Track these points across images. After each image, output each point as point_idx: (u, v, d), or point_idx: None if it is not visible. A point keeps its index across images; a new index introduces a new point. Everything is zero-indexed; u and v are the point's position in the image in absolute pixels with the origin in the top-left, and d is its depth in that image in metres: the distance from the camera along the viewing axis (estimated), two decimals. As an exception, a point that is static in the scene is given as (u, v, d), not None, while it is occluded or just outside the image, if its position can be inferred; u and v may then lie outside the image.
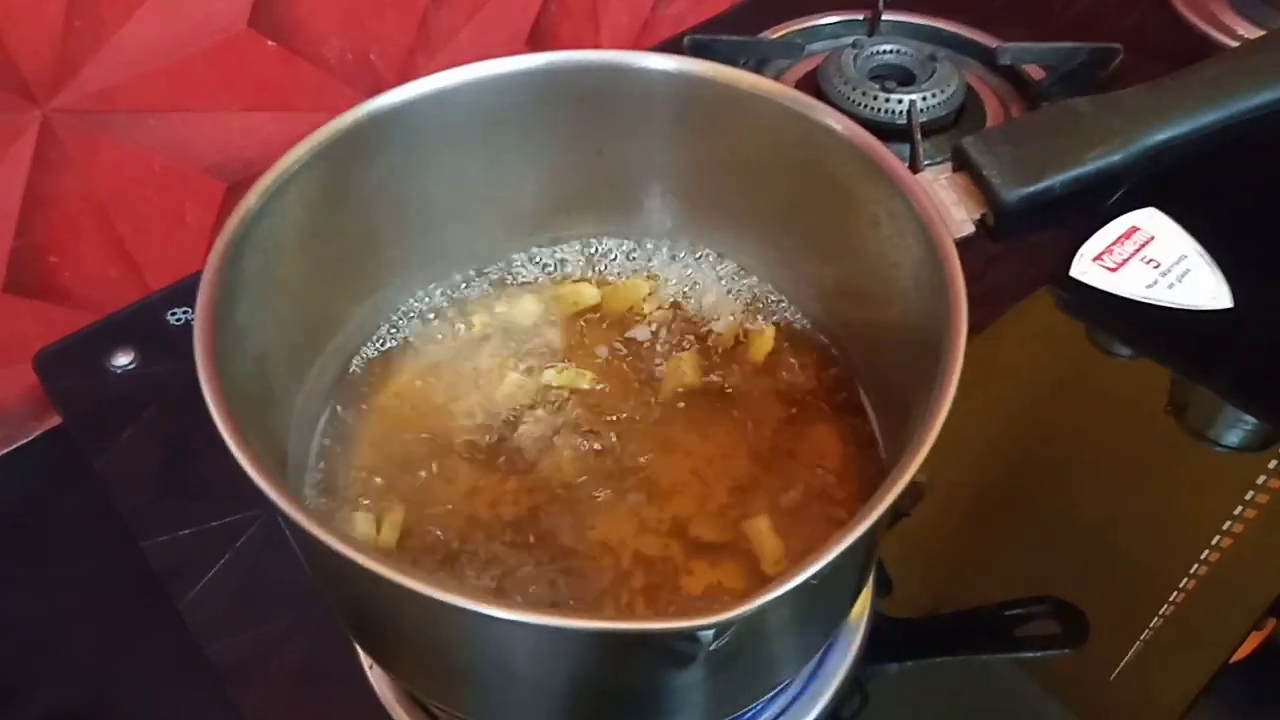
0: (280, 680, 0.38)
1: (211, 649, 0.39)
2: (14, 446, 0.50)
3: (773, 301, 0.40)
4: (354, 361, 0.38)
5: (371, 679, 0.38)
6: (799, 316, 0.39)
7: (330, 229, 0.34)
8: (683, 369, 0.38)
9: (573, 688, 0.28)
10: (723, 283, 0.40)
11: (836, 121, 0.33)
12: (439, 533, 0.33)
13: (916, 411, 0.27)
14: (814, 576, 0.23)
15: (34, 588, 0.44)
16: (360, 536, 0.33)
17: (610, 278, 0.41)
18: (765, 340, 0.38)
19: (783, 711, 0.37)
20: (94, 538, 0.45)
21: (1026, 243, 0.53)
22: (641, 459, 0.35)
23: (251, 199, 0.30)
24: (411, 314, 0.40)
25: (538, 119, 0.37)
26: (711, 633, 0.23)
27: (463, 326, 0.40)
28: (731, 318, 0.39)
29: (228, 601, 0.40)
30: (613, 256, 0.41)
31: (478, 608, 0.22)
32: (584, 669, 0.27)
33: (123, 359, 0.48)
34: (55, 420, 0.49)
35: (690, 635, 0.23)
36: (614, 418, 0.36)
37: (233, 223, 0.30)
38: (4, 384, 0.49)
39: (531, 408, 0.37)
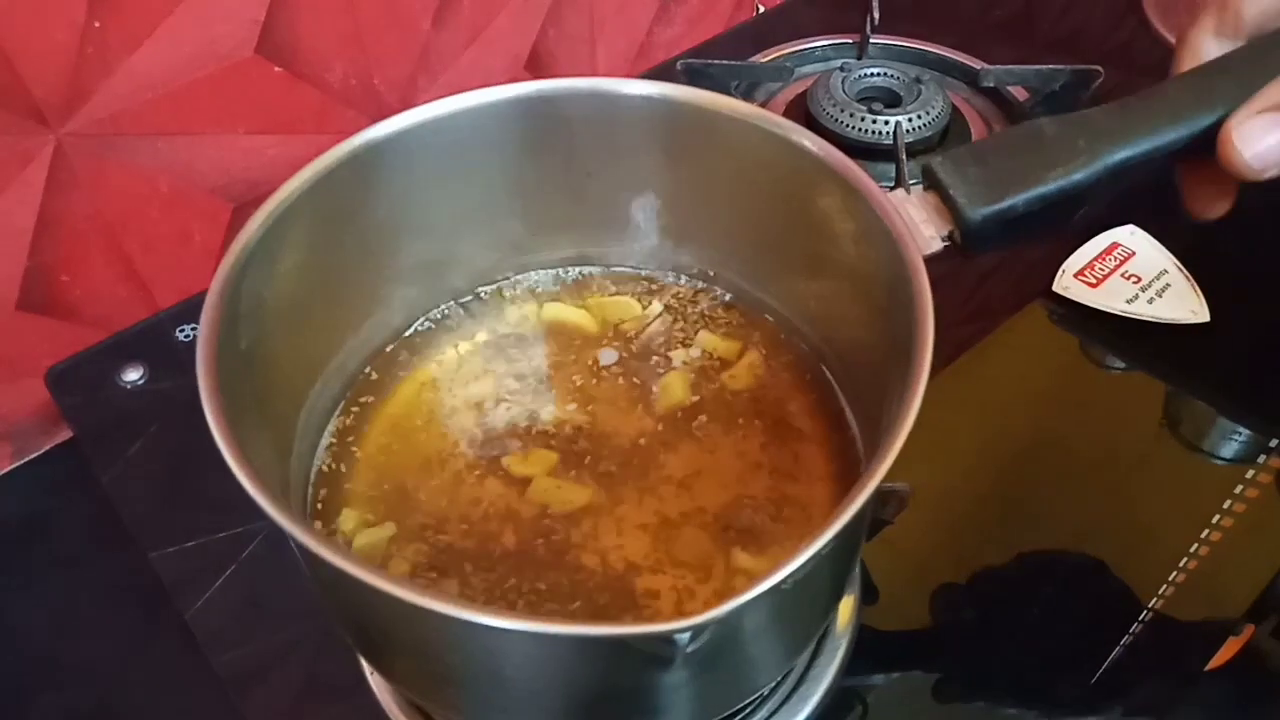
0: (285, 690, 0.39)
1: (217, 659, 0.40)
2: (25, 460, 0.51)
3: (759, 319, 0.41)
4: (354, 381, 0.39)
5: (374, 688, 0.39)
6: (785, 333, 0.40)
7: (330, 252, 0.35)
8: (673, 389, 0.38)
9: (557, 691, 0.29)
10: (709, 301, 0.41)
11: (811, 142, 0.34)
12: (433, 549, 0.34)
13: (886, 422, 0.28)
14: (785, 580, 0.23)
15: (43, 597, 0.44)
16: (357, 550, 0.34)
17: (600, 298, 0.42)
18: (752, 358, 0.39)
19: None
20: (102, 549, 0.45)
21: (1017, 260, 0.54)
22: (632, 478, 0.36)
23: (254, 224, 0.31)
24: (409, 335, 0.40)
25: (530, 144, 0.37)
26: (687, 636, 0.23)
27: (459, 348, 0.40)
28: (718, 336, 0.40)
29: (233, 612, 0.41)
30: (602, 277, 0.42)
31: (458, 613, 0.23)
32: (567, 673, 0.28)
33: (132, 374, 0.49)
34: (66, 434, 0.50)
35: (666, 638, 0.23)
36: (604, 438, 0.37)
37: (236, 246, 0.30)
38: (16, 399, 0.50)
39: (524, 429, 0.38)
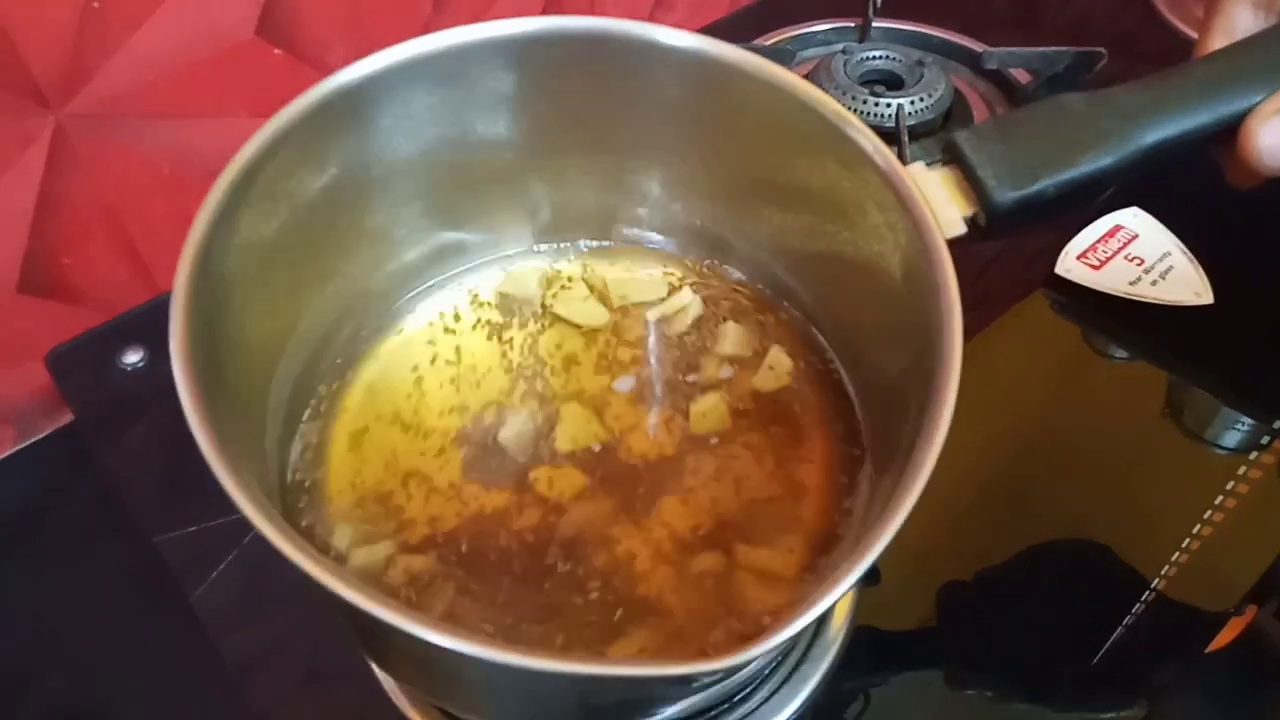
0: (290, 673, 0.39)
1: (222, 642, 0.40)
2: (27, 443, 0.50)
3: (776, 306, 0.39)
4: (333, 360, 0.36)
5: (378, 671, 0.38)
6: (795, 314, 0.38)
7: (302, 218, 0.32)
8: (708, 415, 0.36)
9: (567, 705, 0.29)
10: (728, 288, 0.39)
11: (830, 111, 0.32)
12: (431, 557, 0.32)
13: (905, 443, 0.27)
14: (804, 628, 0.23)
15: (44, 580, 0.44)
16: (340, 548, 0.32)
17: (619, 276, 0.39)
18: (778, 360, 0.37)
19: (754, 711, 0.37)
20: (104, 532, 0.45)
21: (1019, 247, 0.54)
22: (643, 484, 0.34)
23: (216, 193, 0.29)
24: (397, 314, 0.38)
25: (525, 93, 0.34)
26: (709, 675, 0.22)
27: (456, 331, 0.38)
28: (742, 332, 0.38)
29: (237, 596, 0.41)
30: (609, 259, 0.40)
31: (471, 650, 0.22)
32: (578, 697, 0.27)
33: (133, 357, 0.49)
34: (67, 417, 0.50)
35: (683, 679, 0.23)
36: (616, 444, 0.35)
37: (203, 218, 0.28)
38: (17, 382, 0.50)
39: (529, 433, 0.35)
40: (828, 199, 0.33)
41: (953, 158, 0.32)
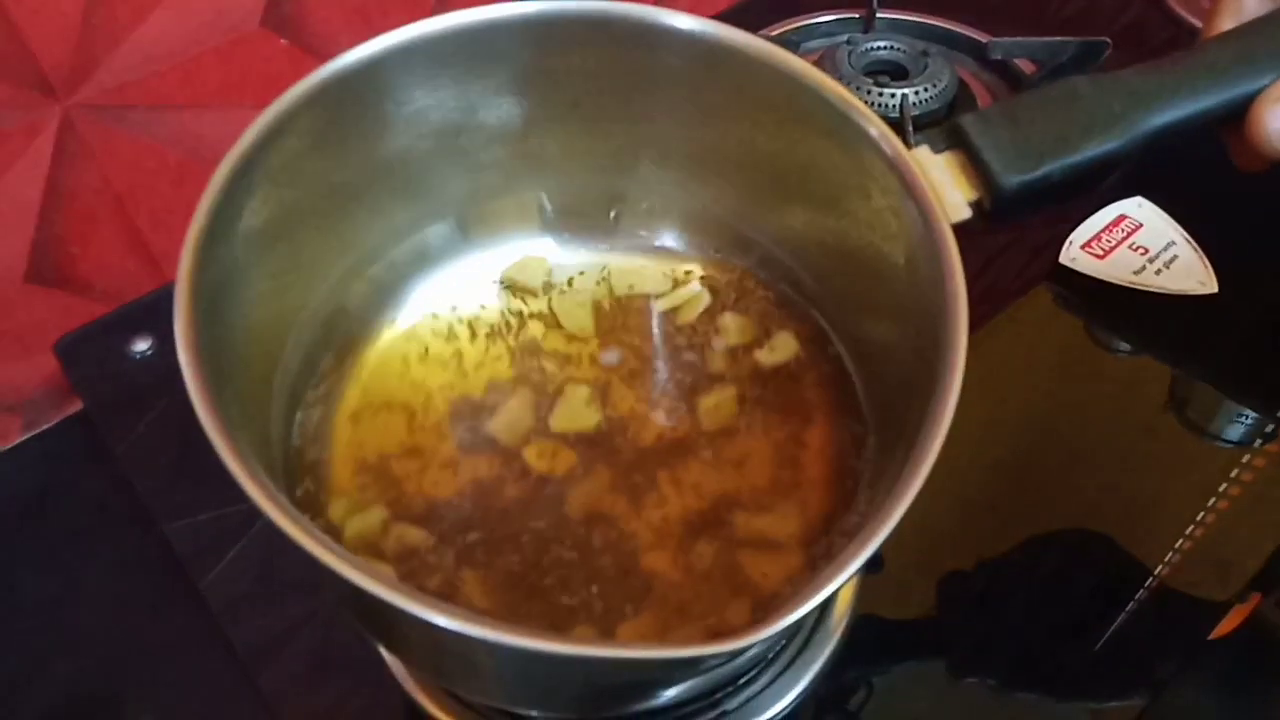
0: (300, 660, 0.39)
1: (232, 630, 0.40)
2: (36, 432, 0.51)
3: (770, 287, 0.39)
4: (336, 346, 0.36)
5: (388, 659, 0.38)
6: (799, 300, 0.38)
7: (305, 203, 0.32)
8: (719, 408, 0.36)
9: (574, 688, 0.29)
10: (728, 275, 0.39)
11: (834, 95, 0.31)
12: (420, 523, 0.33)
13: (908, 432, 0.27)
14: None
15: (53, 569, 0.45)
16: (338, 523, 0.32)
17: (622, 267, 0.39)
18: (787, 350, 0.37)
19: (757, 695, 0.37)
20: (113, 521, 0.46)
21: (1024, 239, 0.54)
22: (645, 462, 0.34)
23: (224, 169, 0.28)
24: (400, 301, 0.38)
25: (530, 77, 0.33)
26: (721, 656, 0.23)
27: (449, 319, 0.38)
28: (744, 319, 0.38)
29: (247, 584, 0.41)
30: (613, 248, 0.40)
31: (478, 633, 0.22)
32: (586, 679, 0.27)
33: (141, 345, 0.49)
34: (76, 406, 0.50)
35: (691, 662, 0.23)
36: (613, 428, 0.35)
37: (205, 204, 0.28)
38: (26, 371, 0.50)
39: (525, 413, 0.35)
40: (832, 184, 0.33)
41: (958, 142, 0.31)
